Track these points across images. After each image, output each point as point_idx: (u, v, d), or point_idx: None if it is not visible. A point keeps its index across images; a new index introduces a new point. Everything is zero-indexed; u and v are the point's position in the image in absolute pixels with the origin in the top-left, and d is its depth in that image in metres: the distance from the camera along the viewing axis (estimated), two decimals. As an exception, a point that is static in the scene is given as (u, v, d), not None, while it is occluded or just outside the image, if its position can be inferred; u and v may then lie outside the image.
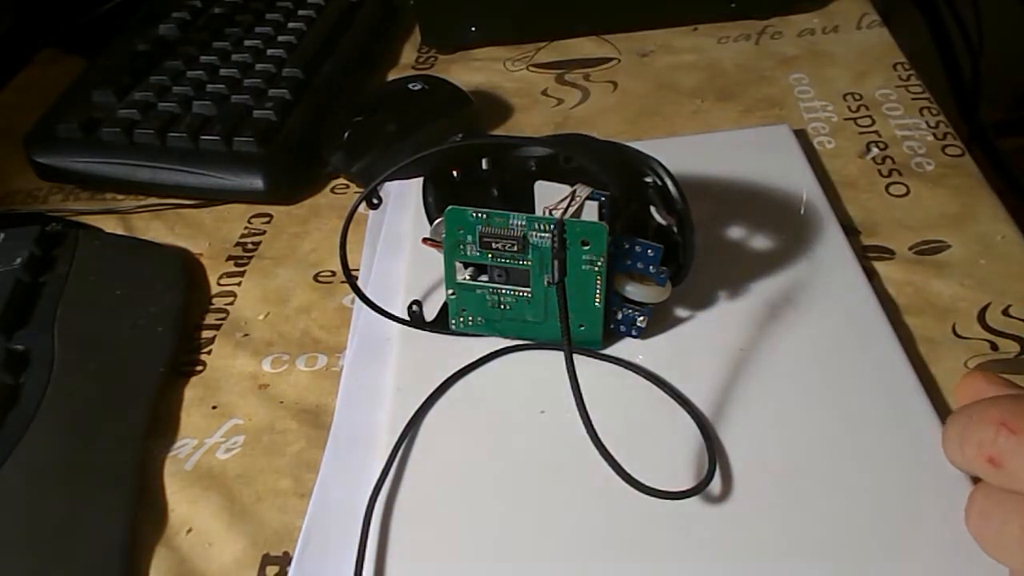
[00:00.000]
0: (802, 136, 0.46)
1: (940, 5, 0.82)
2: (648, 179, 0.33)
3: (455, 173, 0.35)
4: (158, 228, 0.46)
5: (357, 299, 0.36)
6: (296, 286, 0.42)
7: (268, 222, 0.46)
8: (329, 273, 0.42)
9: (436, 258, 0.34)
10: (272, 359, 0.38)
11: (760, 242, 0.39)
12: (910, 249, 0.39)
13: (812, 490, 0.29)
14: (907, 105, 0.48)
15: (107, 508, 0.31)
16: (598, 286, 0.33)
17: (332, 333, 0.39)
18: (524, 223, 0.32)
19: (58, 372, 0.34)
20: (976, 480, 0.27)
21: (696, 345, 0.35)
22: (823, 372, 0.33)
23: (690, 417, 0.32)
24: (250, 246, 0.44)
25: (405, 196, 0.44)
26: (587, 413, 0.28)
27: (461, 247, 0.33)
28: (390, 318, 0.36)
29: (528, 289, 0.34)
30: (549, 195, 0.32)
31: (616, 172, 0.33)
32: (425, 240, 0.35)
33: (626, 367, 0.34)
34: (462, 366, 0.35)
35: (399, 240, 0.41)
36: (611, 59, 0.57)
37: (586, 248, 0.32)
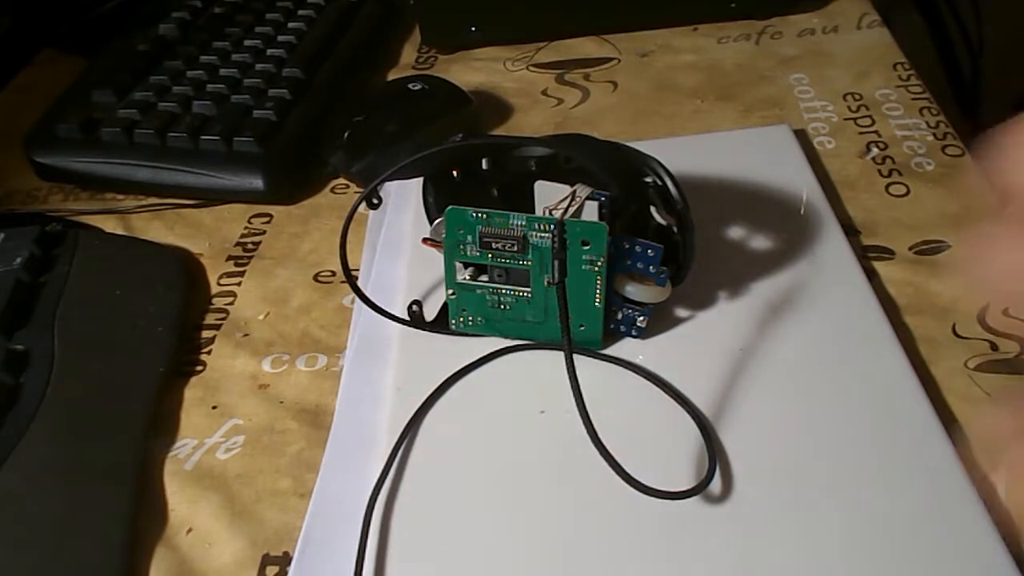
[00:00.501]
0: (802, 136, 0.46)
1: (940, 5, 0.82)
2: (648, 179, 0.33)
3: (455, 173, 0.35)
4: (158, 228, 0.46)
5: (357, 299, 0.36)
6: (296, 286, 0.42)
7: (268, 222, 0.46)
8: (329, 273, 0.42)
9: (436, 258, 0.34)
10: (272, 359, 0.38)
11: (760, 242, 0.39)
12: (910, 249, 0.39)
13: (812, 490, 0.29)
14: (907, 105, 0.48)
15: (107, 508, 0.31)
16: (598, 286, 0.33)
17: (332, 333, 0.39)
18: (524, 223, 0.32)
19: (58, 372, 0.34)
20: None
21: (696, 345, 0.35)
22: (823, 372, 0.33)
23: (690, 417, 0.32)
24: (250, 246, 0.44)
25: (405, 196, 0.44)
26: (587, 413, 0.28)
27: (461, 247, 0.33)
28: (390, 318, 0.36)
29: (528, 289, 0.34)
30: (549, 195, 0.32)
31: (616, 172, 0.33)
32: (425, 240, 0.35)
33: (626, 367, 0.34)
34: (462, 366, 0.35)
35: (399, 240, 0.41)
36: (611, 59, 0.57)
37: (586, 248, 0.32)
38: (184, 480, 0.33)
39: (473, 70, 0.57)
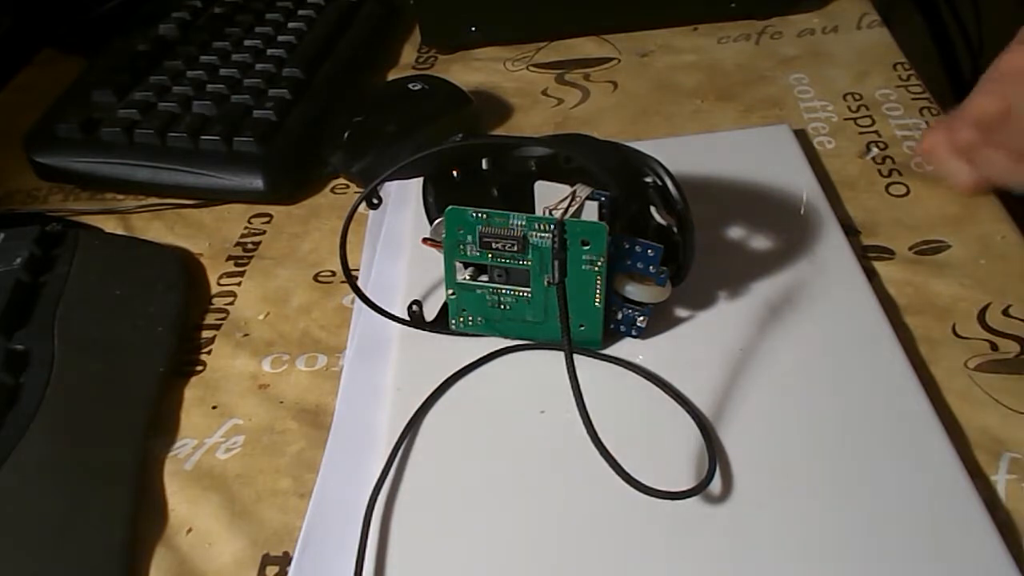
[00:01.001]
0: (802, 136, 0.46)
1: (940, 5, 0.82)
2: (648, 179, 0.33)
3: (455, 173, 0.35)
4: (158, 228, 0.46)
5: (357, 299, 0.36)
6: (296, 286, 0.42)
7: (268, 222, 0.46)
8: (329, 273, 0.42)
9: (436, 258, 0.34)
10: (272, 359, 0.38)
11: (760, 242, 0.39)
12: (910, 249, 0.39)
13: (812, 490, 0.29)
14: (907, 105, 0.48)
15: (107, 508, 0.31)
16: (598, 286, 0.33)
17: (332, 333, 0.39)
18: (524, 223, 0.32)
19: (58, 372, 0.34)
20: None
21: (696, 345, 0.35)
22: (823, 372, 0.33)
23: (690, 417, 0.32)
24: (250, 246, 0.44)
25: (405, 196, 0.44)
26: (587, 413, 0.28)
27: (461, 247, 0.33)
28: (390, 318, 0.36)
29: (528, 289, 0.34)
30: (549, 195, 0.32)
31: (616, 172, 0.33)
32: (425, 240, 0.35)
33: (626, 367, 0.34)
34: (462, 366, 0.35)
35: (399, 240, 0.41)
36: (611, 59, 0.57)
37: (586, 248, 0.32)
38: (184, 480, 0.33)
39: (473, 70, 0.57)
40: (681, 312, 0.36)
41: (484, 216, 0.32)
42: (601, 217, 0.32)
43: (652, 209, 0.33)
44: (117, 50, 0.55)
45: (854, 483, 0.29)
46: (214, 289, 0.42)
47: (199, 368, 0.38)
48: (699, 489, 0.29)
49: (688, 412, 0.32)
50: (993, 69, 0.36)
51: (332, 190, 0.48)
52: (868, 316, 0.35)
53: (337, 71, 0.54)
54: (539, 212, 0.33)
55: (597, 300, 0.33)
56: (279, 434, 0.34)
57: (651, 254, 0.32)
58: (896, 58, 0.52)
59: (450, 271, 0.34)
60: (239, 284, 0.42)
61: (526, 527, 0.29)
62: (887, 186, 0.43)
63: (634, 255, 0.33)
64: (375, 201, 0.34)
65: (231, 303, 0.41)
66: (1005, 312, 0.35)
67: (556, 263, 0.31)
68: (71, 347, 0.35)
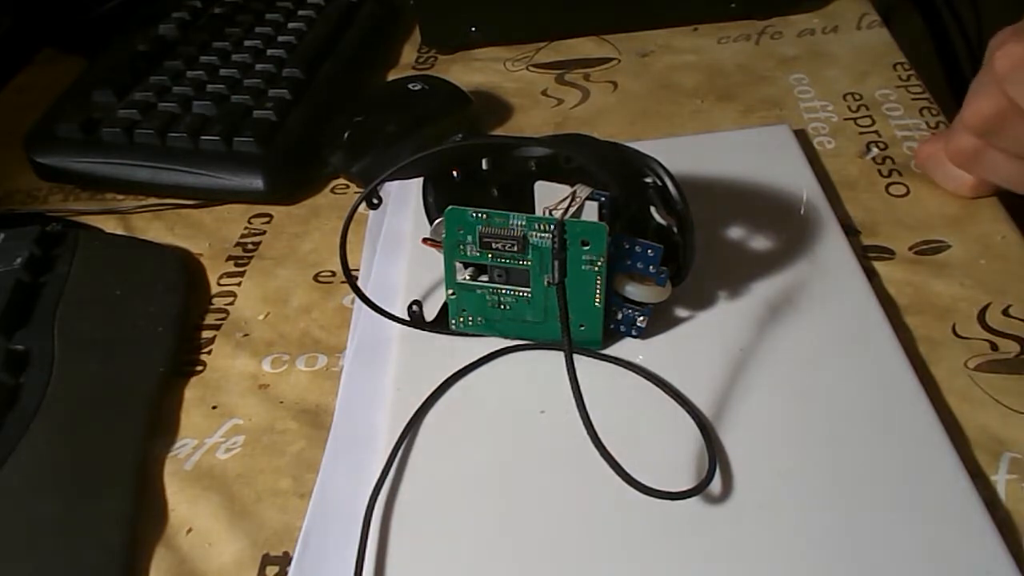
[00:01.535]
0: (802, 136, 0.46)
1: (940, 5, 0.82)
2: (648, 179, 0.33)
3: (455, 173, 0.35)
4: (158, 228, 0.46)
5: (357, 299, 0.36)
6: (296, 286, 0.42)
7: (268, 222, 0.46)
8: (329, 273, 0.42)
9: (436, 258, 0.34)
10: (272, 359, 0.38)
11: (760, 242, 0.39)
12: (910, 249, 0.39)
13: (812, 490, 0.29)
14: (907, 105, 0.48)
15: (107, 508, 0.31)
16: (598, 286, 0.33)
17: (332, 333, 0.39)
18: (524, 223, 0.32)
19: (58, 372, 0.34)
20: None
21: (696, 345, 0.35)
22: (823, 372, 0.33)
23: (690, 417, 0.32)
24: (250, 246, 0.44)
25: (405, 196, 0.44)
26: (587, 413, 0.28)
27: (461, 247, 0.33)
28: (390, 318, 0.36)
29: (528, 289, 0.34)
30: (549, 195, 0.32)
31: (616, 172, 0.33)
32: (425, 240, 0.35)
33: (626, 367, 0.34)
34: (462, 366, 0.35)
35: (399, 240, 0.41)
36: (611, 59, 0.57)
37: (586, 248, 0.32)
38: (184, 480, 0.33)
39: (473, 70, 0.57)
40: (681, 312, 0.36)
41: (484, 216, 0.32)
42: (601, 217, 0.32)
43: (652, 209, 0.33)
44: (117, 50, 0.55)
45: (854, 483, 0.29)
46: (214, 289, 0.42)
47: (199, 368, 0.38)
48: (699, 489, 0.29)
49: (688, 412, 0.32)
50: (986, 71, 0.36)
51: (332, 190, 0.48)
52: (868, 316, 0.35)
53: (337, 71, 0.54)
54: (539, 212, 0.33)
55: (597, 300, 0.33)
56: (279, 434, 0.34)
57: (651, 254, 0.32)
58: (896, 58, 0.53)
59: (450, 271, 0.34)
60: (239, 284, 0.42)
61: (526, 527, 0.29)
62: (887, 186, 0.43)
63: (634, 255, 0.33)
64: (375, 201, 0.34)
65: (231, 303, 0.41)
66: (1005, 312, 0.35)
67: (556, 263, 0.31)
68: (71, 347, 0.35)
